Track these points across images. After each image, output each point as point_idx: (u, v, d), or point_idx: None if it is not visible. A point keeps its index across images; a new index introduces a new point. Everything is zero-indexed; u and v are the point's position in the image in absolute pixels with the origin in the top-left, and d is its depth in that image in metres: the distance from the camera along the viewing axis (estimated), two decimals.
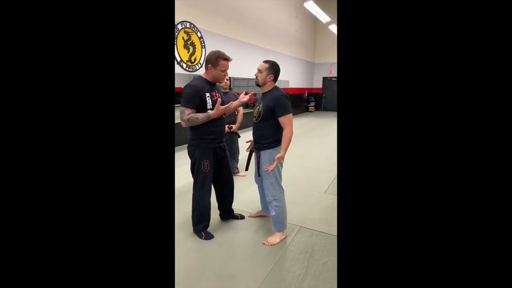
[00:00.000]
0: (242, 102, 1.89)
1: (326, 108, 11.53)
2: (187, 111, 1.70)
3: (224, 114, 1.82)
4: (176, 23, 4.28)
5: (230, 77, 3.03)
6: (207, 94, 1.74)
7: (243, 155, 3.31)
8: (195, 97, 1.70)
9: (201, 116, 1.70)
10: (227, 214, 2.14)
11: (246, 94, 1.90)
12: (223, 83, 2.77)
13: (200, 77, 1.81)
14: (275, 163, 1.72)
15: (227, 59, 1.75)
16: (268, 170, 1.74)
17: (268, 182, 1.80)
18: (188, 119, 1.70)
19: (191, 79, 1.81)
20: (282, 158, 1.73)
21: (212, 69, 1.75)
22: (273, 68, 1.76)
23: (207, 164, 1.80)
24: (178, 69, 4.42)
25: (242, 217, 2.18)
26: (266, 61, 1.78)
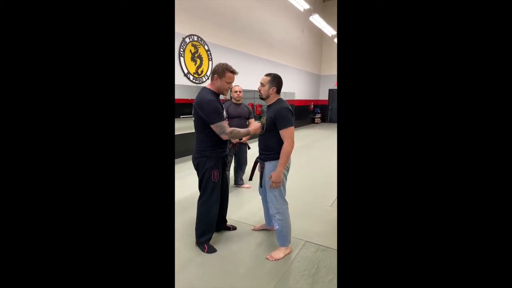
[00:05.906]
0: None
1: (332, 120, 11.50)
2: (224, 123, 1.74)
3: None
4: (184, 36, 4.38)
5: (242, 90, 3.08)
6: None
7: (249, 166, 3.29)
8: (221, 109, 1.78)
9: (242, 131, 1.82)
10: (221, 224, 2.11)
11: (251, 105, 1.93)
12: (236, 95, 2.93)
13: (205, 88, 1.81)
14: (271, 183, 1.72)
15: (233, 72, 1.78)
16: (270, 183, 1.73)
17: (271, 194, 1.78)
18: (231, 132, 1.75)
19: (199, 90, 1.83)
20: (279, 174, 1.71)
21: (218, 79, 1.77)
22: (275, 81, 1.77)
23: (217, 174, 1.82)
24: (185, 81, 4.49)
25: (234, 228, 2.18)
26: (268, 74, 1.79)
